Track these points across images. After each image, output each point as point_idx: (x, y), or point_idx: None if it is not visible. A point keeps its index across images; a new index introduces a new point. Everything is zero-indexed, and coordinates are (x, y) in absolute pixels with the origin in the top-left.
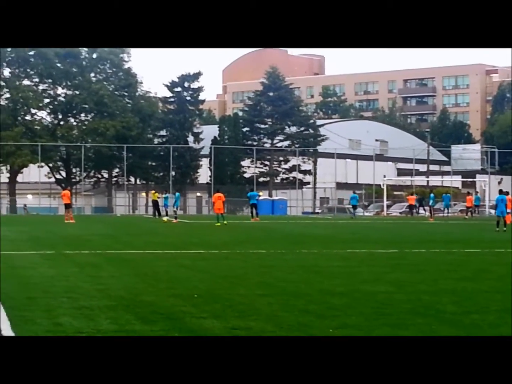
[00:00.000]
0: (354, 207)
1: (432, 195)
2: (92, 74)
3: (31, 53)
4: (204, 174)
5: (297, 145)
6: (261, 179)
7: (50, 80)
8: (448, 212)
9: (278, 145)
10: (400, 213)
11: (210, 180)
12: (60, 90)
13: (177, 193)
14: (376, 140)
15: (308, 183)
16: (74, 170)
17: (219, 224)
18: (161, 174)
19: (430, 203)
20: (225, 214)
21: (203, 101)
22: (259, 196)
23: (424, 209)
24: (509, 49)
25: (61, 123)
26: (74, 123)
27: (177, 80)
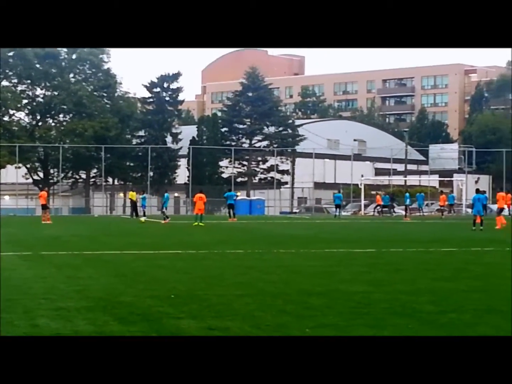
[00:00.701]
0: (338, 206)
1: (407, 194)
2: (72, 75)
3: (10, 53)
4: (182, 175)
5: (275, 145)
6: (239, 179)
7: (29, 81)
8: (422, 212)
9: (257, 145)
10: (378, 212)
11: (188, 180)
12: (39, 91)
13: (166, 194)
14: (355, 140)
15: (286, 183)
16: (52, 171)
17: (196, 223)
18: (139, 174)
19: (406, 202)
20: (203, 214)
21: (182, 102)
22: (237, 196)
23: (393, 207)
24: (487, 49)
25: (40, 123)
26: (53, 124)
27: (156, 80)
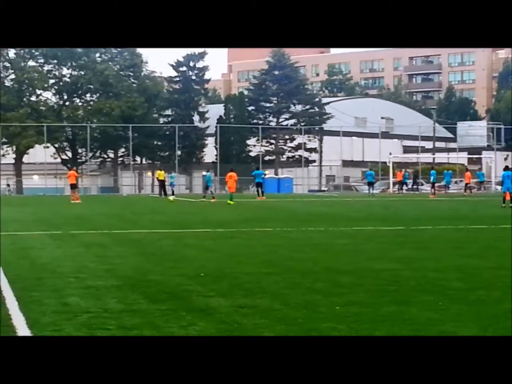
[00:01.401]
0: (370, 183)
1: (433, 171)
2: (97, 55)
3: None
4: (210, 153)
5: (302, 124)
6: (267, 158)
7: (55, 61)
8: (446, 189)
9: (284, 123)
10: (406, 190)
11: (216, 159)
12: (65, 71)
13: (207, 174)
14: (382, 118)
15: (314, 161)
16: (80, 151)
17: (232, 202)
18: (167, 153)
19: (431, 180)
20: (233, 192)
21: (208, 81)
22: (265, 174)
23: (415, 185)
24: None
25: (67, 103)
26: (80, 104)
27: (182, 59)
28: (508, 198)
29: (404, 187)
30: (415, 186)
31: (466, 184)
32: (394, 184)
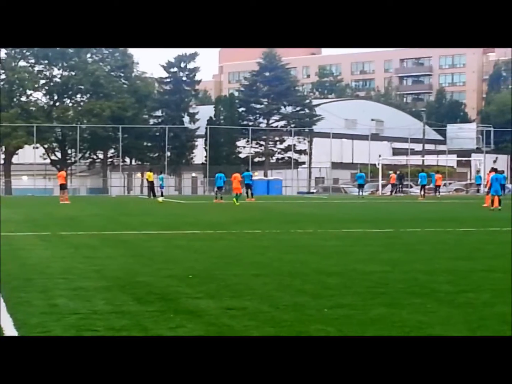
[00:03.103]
0: (360, 185)
1: (423, 174)
2: (88, 55)
3: None
4: (199, 155)
5: (292, 125)
6: (256, 159)
7: (46, 61)
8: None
9: (274, 125)
10: (394, 192)
11: (206, 160)
12: (56, 71)
13: (216, 174)
14: (372, 120)
15: (304, 163)
16: (69, 151)
17: (237, 203)
18: (157, 154)
19: (420, 182)
20: (239, 194)
21: (199, 82)
22: (254, 176)
23: (401, 187)
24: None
25: (57, 104)
26: (70, 104)
27: (173, 60)
28: (496, 201)
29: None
30: (402, 188)
31: (437, 186)
32: (385, 186)
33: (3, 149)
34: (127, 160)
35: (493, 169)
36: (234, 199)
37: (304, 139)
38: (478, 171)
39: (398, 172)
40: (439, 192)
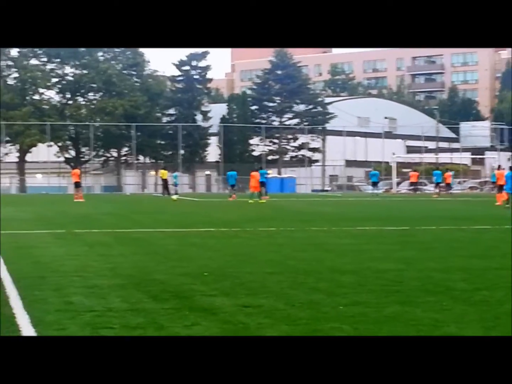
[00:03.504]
0: (375, 184)
1: (437, 171)
2: (100, 53)
3: None
4: (213, 153)
5: (305, 123)
6: (270, 157)
7: (58, 60)
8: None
9: (287, 123)
10: (408, 190)
11: (219, 158)
12: (68, 69)
13: (228, 173)
14: (385, 118)
15: (317, 160)
16: (83, 149)
17: (252, 201)
18: (170, 152)
19: (435, 180)
20: (255, 192)
21: (211, 80)
22: (268, 174)
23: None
24: None
25: (70, 102)
26: (83, 102)
27: (185, 59)
28: (506, 198)
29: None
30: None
31: (412, 183)
32: (399, 184)
33: (17, 147)
34: (141, 158)
35: (510, 167)
36: (253, 198)
37: (318, 137)
38: (493, 169)
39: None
40: (451, 189)
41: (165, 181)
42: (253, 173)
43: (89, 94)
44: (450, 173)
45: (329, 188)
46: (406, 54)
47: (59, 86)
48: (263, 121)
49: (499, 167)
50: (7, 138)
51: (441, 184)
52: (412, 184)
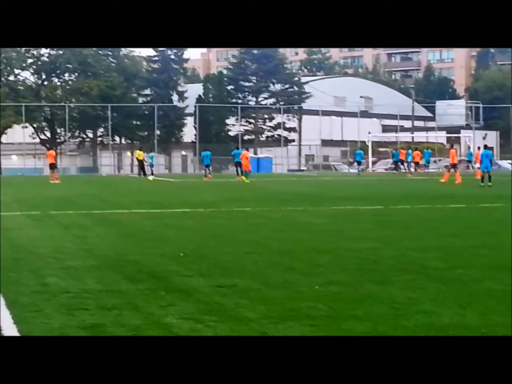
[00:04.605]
0: (359, 163)
1: (409, 151)
2: None
3: None
4: (189, 133)
5: (281, 103)
6: (246, 137)
7: None
8: (427, 168)
9: (263, 103)
10: (386, 169)
11: (195, 138)
12: (43, 50)
13: (203, 152)
14: (361, 97)
15: (293, 140)
16: (58, 131)
17: (248, 181)
18: (146, 133)
19: (408, 159)
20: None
21: (187, 60)
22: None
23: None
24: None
25: (45, 83)
26: (58, 83)
27: None
28: (479, 176)
29: (405, 165)
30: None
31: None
32: (375, 163)
33: None
34: (117, 139)
35: (485, 146)
36: (243, 177)
37: (294, 117)
38: (469, 148)
39: (408, 148)
40: (419, 168)
41: (141, 162)
42: (244, 152)
43: (65, 74)
44: (419, 152)
45: (305, 168)
46: None
47: (34, 67)
48: (239, 101)
49: (479, 148)
50: None
51: (411, 164)
52: (401, 162)
